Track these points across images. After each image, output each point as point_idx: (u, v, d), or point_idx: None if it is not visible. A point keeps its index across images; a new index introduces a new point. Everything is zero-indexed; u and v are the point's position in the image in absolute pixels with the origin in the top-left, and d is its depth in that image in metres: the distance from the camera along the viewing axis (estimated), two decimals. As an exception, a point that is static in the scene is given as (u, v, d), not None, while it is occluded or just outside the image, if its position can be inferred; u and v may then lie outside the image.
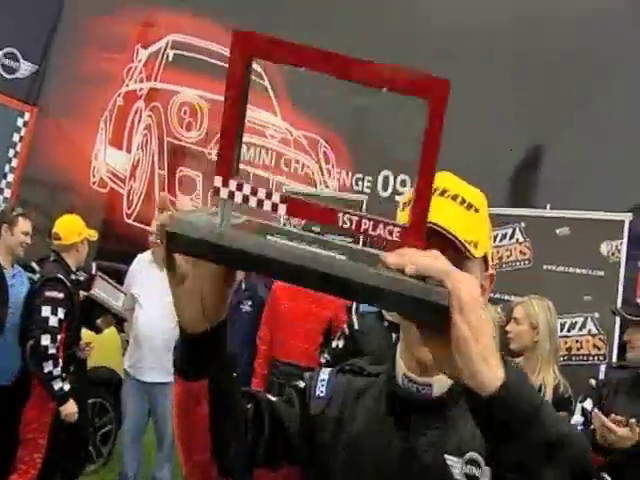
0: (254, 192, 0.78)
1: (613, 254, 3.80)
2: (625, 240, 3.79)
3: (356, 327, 3.47)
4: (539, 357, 3.10)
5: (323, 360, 3.54)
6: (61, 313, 3.61)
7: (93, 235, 4.23)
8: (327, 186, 5.75)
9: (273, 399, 1.10)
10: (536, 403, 0.81)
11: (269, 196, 0.77)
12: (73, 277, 3.91)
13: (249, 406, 1.05)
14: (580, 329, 3.78)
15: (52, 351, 3.53)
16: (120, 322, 4.50)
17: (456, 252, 0.97)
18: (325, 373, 1.16)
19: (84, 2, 6.74)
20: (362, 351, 3.20)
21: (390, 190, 5.70)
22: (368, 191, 5.65)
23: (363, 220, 0.77)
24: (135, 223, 6.42)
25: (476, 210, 1.03)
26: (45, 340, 3.52)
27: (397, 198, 5.40)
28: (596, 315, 3.79)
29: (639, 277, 3.97)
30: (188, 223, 0.76)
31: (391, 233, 0.77)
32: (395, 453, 1.03)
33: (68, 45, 6.59)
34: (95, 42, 6.58)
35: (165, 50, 6.44)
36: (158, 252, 4.12)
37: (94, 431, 4.82)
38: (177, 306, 0.89)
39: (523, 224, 4.19)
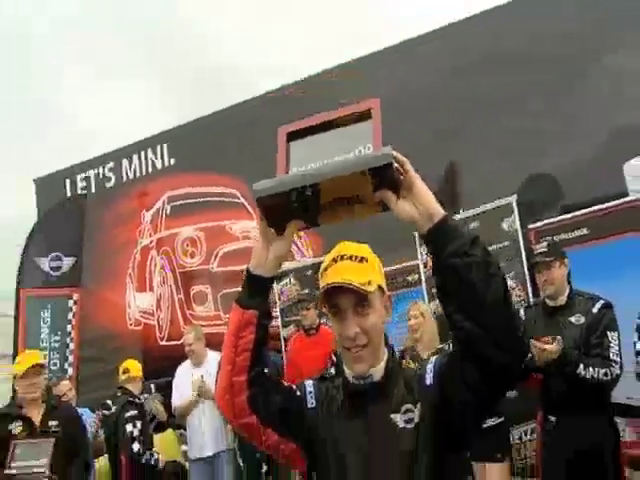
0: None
1: (511, 227, 4.76)
2: (516, 215, 4.75)
3: (335, 360, 4.43)
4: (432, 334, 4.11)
5: None
6: (139, 425, 4.72)
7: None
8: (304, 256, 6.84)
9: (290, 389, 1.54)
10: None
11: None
12: (137, 400, 4.98)
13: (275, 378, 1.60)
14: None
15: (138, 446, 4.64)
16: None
17: (358, 293, 1.39)
18: (310, 385, 1.55)
19: (96, 198, 8.68)
20: None
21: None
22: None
23: None
24: (167, 343, 7.60)
25: (366, 260, 1.45)
26: (135, 447, 4.62)
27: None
28: (511, 274, 4.58)
29: (531, 236, 4.71)
30: (263, 184, 1.33)
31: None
32: (359, 427, 1.43)
33: (92, 234, 8.36)
34: (111, 224, 8.41)
35: (163, 207, 8.06)
36: (194, 356, 5.19)
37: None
38: (260, 253, 1.45)
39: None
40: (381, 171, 1.24)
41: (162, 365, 6.70)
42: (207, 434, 5.06)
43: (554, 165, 5.47)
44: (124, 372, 5.03)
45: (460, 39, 6.15)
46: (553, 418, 3.34)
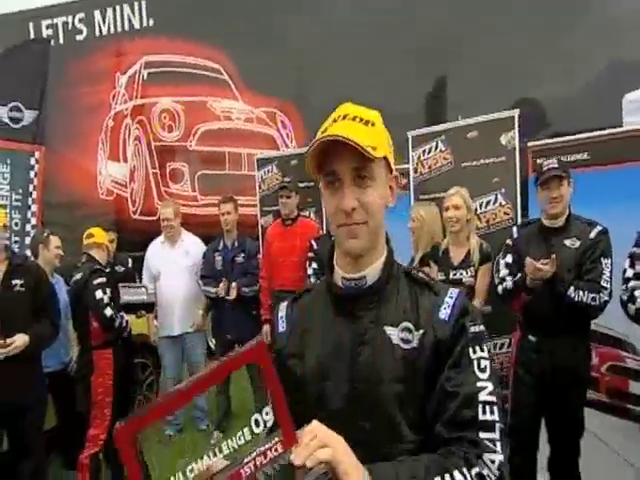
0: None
1: (509, 142, 4.56)
2: (516, 130, 4.55)
3: (315, 247, 4.44)
4: (469, 229, 3.97)
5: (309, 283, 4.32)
6: (108, 292, 4.43)
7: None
8: (287, 147, 6.73)
9: None
10: None
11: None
12: (103, 268, 4.72)
13: None
14: (493, 204, 4.57)
15: (110, 311, 4.34)
16: (149, 306, 5.42)
17: (359, 155, 1.11)
18: (282, 309, 1.33)
19: (65, 50, 7.96)
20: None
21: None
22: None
23: (248, 464, 0.88)
24: (141, 217, 7.55)
25: (372, 124, 1.17)
26: (108, 312, 4.31)
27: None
28: (503, 190, 4.53)
29: (528, 156, 4.65)
30: None
31: (276, 450, 0.88)
32: (348, 340, 1.18)
33: (58, 88, 7.70)
34: (80, 80, 7.78)
35: (140, 71, 7.58)
36: (171, 233, 5.15)
37: (141, 383, 5.69)
38: None
39: (443, 137, 4.85)
40: None
41: (136, 240, 6.70)
42: (177, 314, 5.22)
43: (547, 91, 5.38)
44: (88, 237, 4.65)
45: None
46: (533, 338, 3.50)
